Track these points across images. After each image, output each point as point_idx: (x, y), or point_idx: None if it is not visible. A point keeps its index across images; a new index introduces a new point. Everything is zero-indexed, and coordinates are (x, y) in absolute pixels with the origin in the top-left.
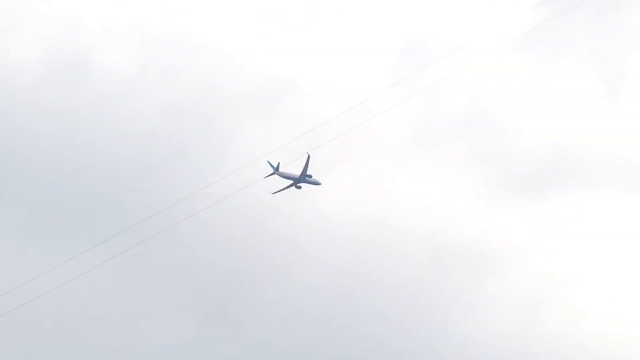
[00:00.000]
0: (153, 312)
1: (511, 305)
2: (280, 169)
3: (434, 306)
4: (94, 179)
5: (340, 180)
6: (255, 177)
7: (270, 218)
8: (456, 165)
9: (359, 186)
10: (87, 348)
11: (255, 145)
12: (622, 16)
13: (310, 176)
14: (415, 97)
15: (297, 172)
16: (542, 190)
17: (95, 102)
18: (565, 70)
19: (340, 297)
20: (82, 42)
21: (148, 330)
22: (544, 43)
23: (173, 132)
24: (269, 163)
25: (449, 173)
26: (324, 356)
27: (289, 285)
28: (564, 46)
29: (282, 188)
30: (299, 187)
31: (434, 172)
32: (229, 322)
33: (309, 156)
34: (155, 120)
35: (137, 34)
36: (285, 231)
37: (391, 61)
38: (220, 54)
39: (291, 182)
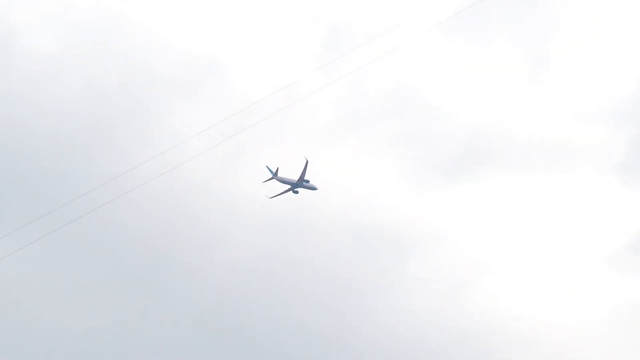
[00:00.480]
0: (78, 292)
1: (435, 287)
2: (279, 174)
3: (357, 288)
4: (18, 159)
5: (266, 161)
6: (183, 159)
7: (195, 199)
8: (382, 148)
9: (284, 167)
10: (12, 329)
11: (184, 126)
12: None
13: (307, 181)
14: (342, 78)
15: (295, 177)
16: (466, 173)
17: (20, 82)
18: (490, 53)
19: (265, 278)
20: (6, 20)
21: (73, 311)
22: (469, 26)
23: (98, 113)
24: (268, 168)
25: (374, 155)
26: (248, 337)
27: (214, 266)
28: (488, 29)
29: (279, 193)
30: (296, 192)
31: (359, 154)
32: (155, 303)
33: (307, 162)
34: (80, 101)
35: (61, 12)
36: (210, 212)
37: (318, 42)
38: (146, 33)
39: (289, 186)
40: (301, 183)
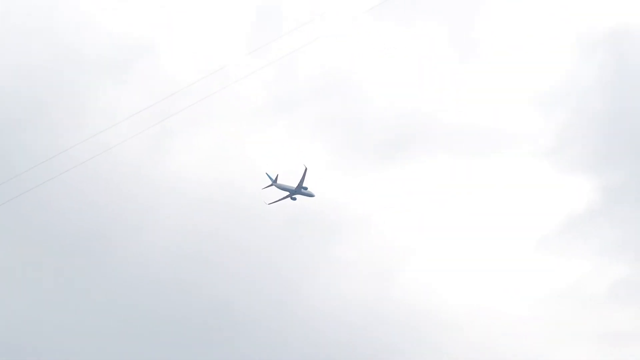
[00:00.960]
0: (5, 275)
1: (361, 270)
2: (278, 181)
3: (285, 270)
4: None
5: (195, 144)
6: (115, 141)
7: (125, 180)
8: (309, 131)
9: (213, 150)
10: None
11: (114, 108)
12: None
13: (305, 188)
14: (272, 63)
15: (294, 184)
16: (396, 157)
17: None
18: (420, 37)
19: (193, 259)
20: None
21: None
22: (399, 10)
23: (27, 94)
24: (268, 175)
25: (303, 139)
26: (173, 317)
27: (141, 246)
28: (418, 14)
29: (278, 199)
30: (294, 199)
31: (287, 137)
32: (80, 283)
33: (305, 169)
34: (9, 81)
35: None
36: (139, 193)
37: (248, 25)
38: (76, 14)
39: (287, 193)
40: (299, 190)
